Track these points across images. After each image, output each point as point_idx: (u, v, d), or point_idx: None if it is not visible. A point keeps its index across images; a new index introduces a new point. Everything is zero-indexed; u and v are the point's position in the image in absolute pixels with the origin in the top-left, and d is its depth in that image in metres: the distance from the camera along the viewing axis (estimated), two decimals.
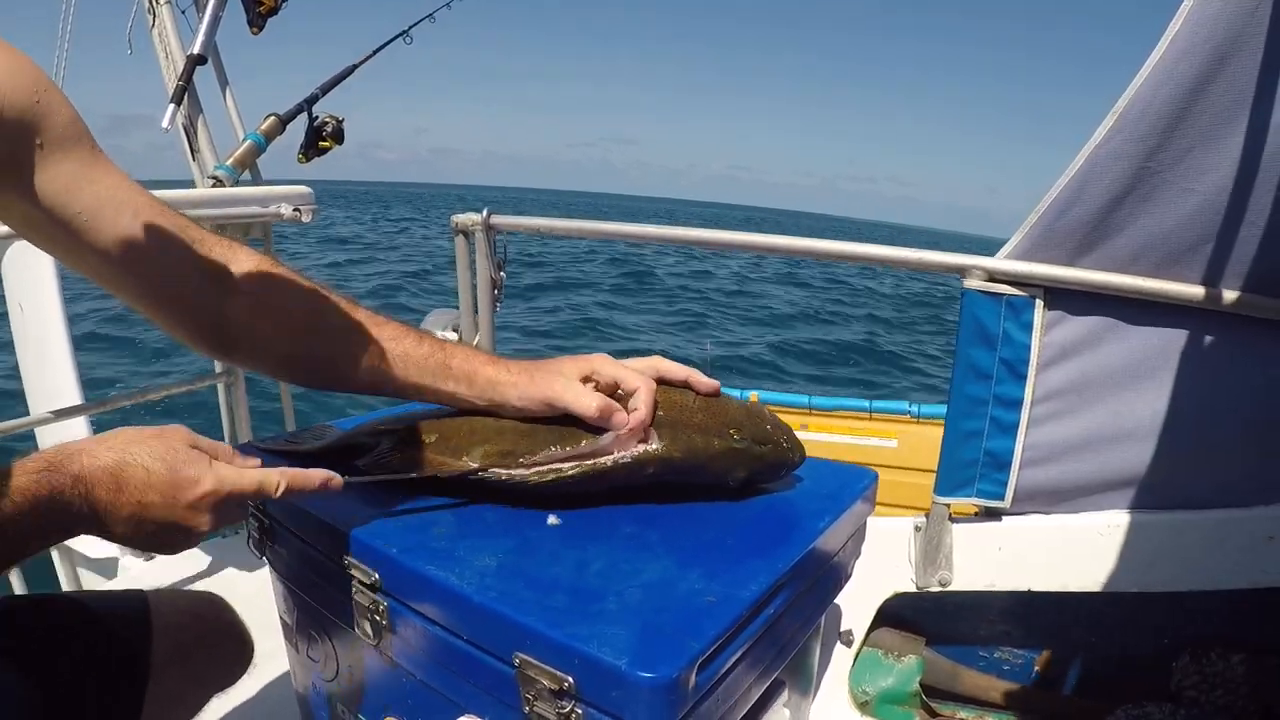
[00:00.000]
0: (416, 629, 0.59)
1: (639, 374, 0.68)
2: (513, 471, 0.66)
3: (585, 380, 0.68)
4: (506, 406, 0.68)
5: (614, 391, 0.68)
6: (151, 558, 1.51)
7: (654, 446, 0.67)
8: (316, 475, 0.58)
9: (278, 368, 0.66)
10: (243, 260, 0.64)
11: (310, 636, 0.77)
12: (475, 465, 0.66)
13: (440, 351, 0.68)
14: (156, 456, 0.52)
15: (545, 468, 0.66)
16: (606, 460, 0.66)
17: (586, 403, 0.65)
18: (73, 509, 0.49)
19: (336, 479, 0.60)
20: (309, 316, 0.65)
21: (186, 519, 0.52)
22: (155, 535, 0.53)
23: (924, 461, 1.18)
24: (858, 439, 2.33)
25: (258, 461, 0.58)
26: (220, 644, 0.78)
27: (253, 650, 0.80)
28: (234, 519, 0.57)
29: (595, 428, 0.67)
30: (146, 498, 0.51)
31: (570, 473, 0.66)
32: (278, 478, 0.56)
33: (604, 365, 0.69)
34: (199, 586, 1.38)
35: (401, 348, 0.67)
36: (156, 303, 0.62)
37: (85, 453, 0.50)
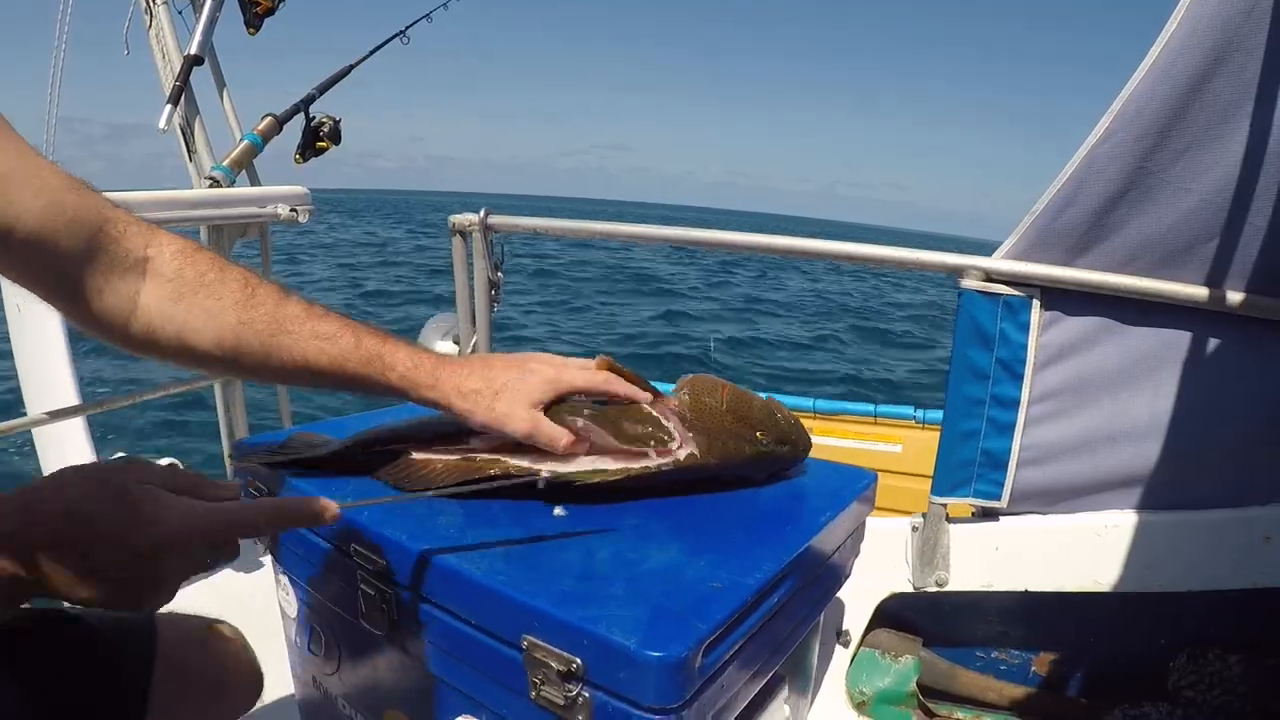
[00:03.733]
0: (424, 616, 0.60)
1: (591, 373, 0.70)
2: (559, 470, 0.67)
3: (559, 400, 0.68)
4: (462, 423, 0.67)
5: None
6: None
7: (694, 453, 0.70)
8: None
9: (203, 360, 0.61)
10: (164, 244, 0.59)
11: (313, 629, 0.77)
12: (535, 467, 0.67)
13: (379, 359, 0.63)
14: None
15: (590, 468, 0.67)
16: (651, 464, 0.68)
17: (561, 442, 0.65)
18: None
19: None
20: (238, 307, 0.60)
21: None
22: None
23: (928, 467, 1.18)
24: (862, 443, 2.33)
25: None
26: (228, 676, 0.75)
27: (262, 685, 0.77)
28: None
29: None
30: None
31: (615, 475, 0.67)
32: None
33: (572, 376, 0.69)
34: (196, 585, 1.38)
35: (337, 346, 0.62)
36: (67, 291, 0.57)
37: None
